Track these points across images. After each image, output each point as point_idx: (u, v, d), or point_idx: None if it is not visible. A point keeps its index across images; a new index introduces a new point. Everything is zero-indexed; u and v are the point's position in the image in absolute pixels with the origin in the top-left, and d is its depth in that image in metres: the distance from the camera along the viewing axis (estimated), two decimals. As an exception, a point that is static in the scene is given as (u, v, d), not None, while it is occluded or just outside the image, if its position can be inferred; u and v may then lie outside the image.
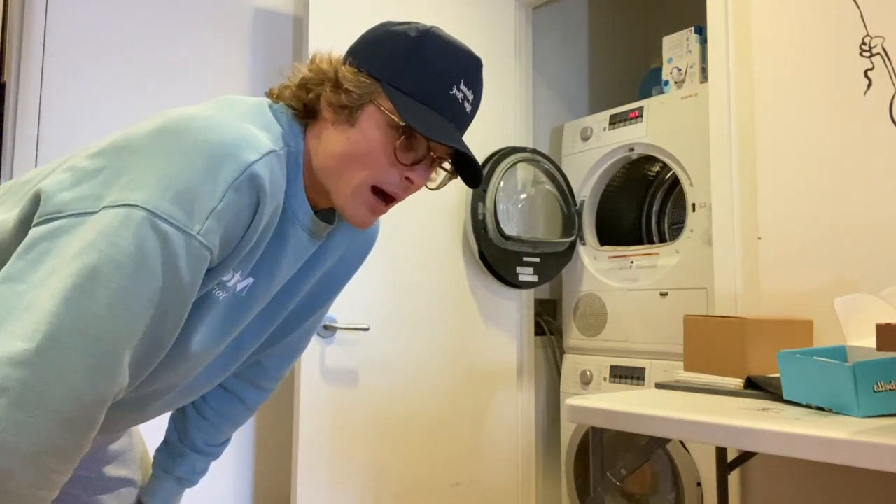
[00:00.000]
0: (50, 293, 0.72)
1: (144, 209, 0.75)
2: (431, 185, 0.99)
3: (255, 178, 0.81)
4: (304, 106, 0.94)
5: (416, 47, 0.92)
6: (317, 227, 0.98)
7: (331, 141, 0.92)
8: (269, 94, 0.99)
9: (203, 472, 1.22)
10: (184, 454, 1.19)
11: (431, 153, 0.93)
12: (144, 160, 0.79)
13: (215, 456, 1.22)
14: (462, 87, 0.93)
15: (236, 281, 0.90)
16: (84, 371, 0.72)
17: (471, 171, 0.97)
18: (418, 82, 0.91)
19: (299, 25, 2.34)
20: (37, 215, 0.78)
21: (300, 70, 0.96)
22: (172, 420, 1.22)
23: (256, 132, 0.85)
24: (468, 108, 0.94)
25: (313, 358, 2.03)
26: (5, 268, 0.75)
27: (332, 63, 0.94)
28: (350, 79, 0.91)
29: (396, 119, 0.89)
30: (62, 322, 0.71)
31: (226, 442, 1.23)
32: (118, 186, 0.77)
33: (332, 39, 2.10)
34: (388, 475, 2.16)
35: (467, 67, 0.94)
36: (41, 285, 0.73)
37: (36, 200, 0.80)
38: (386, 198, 0.94)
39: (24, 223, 0.80)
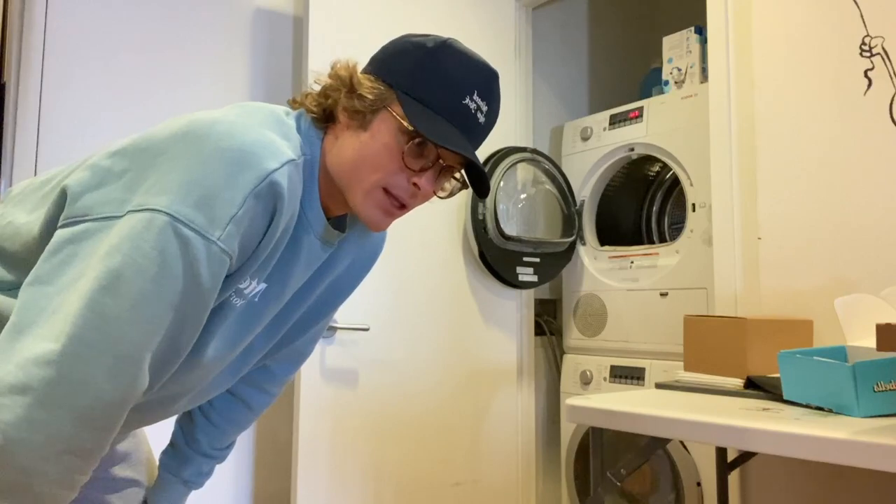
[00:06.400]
0: (77, 296, 0.74)
1: (167, 214, 0.77)
2: (442, 193, 1.00)
3: (274, 185, 0.83)
4: (324, 111, 0.96)
5: (431, 57, 0.94)
6: (329, 234, 0.99)
7: (345, 145, 0.94)
8: (291, 103, 1.00)
9: (209, 474, 1.23)
10: (190, 457, 1.20)
11: (441, 160, 0.94)
12: (167, 164, 0.80)
13: (221, 459, 1.23)
14: (476, 97, 0.94)
15: (252, 287, 0.92)
16: (106, 372, 0.74)
17: (479, 181, 0.98)
18: (431, 91, 0.92)
19: (299, 25, 2.34)
20: (62, 216, 0.80)
21: (322, 78, 0.99)
22: (178, 424, 1.23)
23: (277, 140, 0.86)
24: (481, 118, 0.95)
25: (313, 358, 2.03)
26: (34, 270, 0.77)
27: (350, 69, 0.96)
28: (365, 85, 0.93)
29: (406, 124, 0.90)
30: (86, 323, 0.73)
31: (231, 445, 1.24)
32: (142, 190, 0.79)
33: (332, 39, 2.10)
34: (388, 475, 2.15)
35: (482, 79, 0.95)
36: (69, 288, 0.74)
37: (62, 200, 0.81)
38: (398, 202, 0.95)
39: (51, 224, 0.82)
